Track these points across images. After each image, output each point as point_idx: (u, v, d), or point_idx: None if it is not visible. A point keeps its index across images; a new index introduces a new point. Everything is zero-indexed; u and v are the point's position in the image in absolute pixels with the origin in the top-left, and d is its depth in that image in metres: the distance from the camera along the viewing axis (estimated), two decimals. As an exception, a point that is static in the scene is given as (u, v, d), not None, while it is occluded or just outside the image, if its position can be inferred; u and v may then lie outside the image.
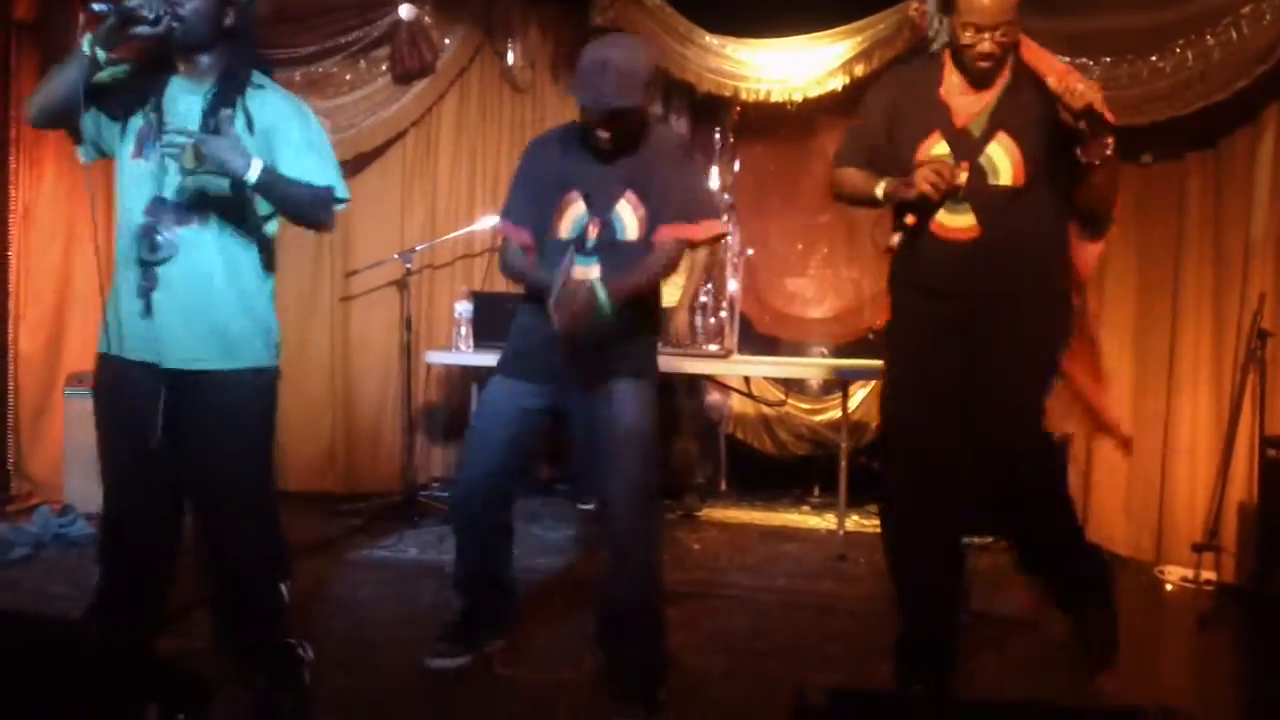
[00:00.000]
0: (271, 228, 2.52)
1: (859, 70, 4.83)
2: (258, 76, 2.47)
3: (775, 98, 5.06)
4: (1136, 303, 4.53)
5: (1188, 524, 4.20)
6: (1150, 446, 4.38)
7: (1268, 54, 3.92)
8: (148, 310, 2.38)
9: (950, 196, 2.66)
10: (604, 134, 2.73)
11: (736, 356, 4.89)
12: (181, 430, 2.42)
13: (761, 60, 5.08)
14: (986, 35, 2.63)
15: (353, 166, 5.07)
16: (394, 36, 5.07)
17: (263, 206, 2.46)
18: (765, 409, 5.50)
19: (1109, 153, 2.56)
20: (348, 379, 5.33)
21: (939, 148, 2.72)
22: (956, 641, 2.89)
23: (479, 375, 4.43)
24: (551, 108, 5.32)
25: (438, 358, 4.95)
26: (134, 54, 2.39)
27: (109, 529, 2.52)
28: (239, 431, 2.46)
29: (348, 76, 5.12)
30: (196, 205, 2.38)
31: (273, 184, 2.35)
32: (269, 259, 2.52)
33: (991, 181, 2.68)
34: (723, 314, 5.34)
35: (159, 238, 2.36)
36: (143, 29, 2.22)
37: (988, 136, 2.69)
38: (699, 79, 5.14)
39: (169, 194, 2.37)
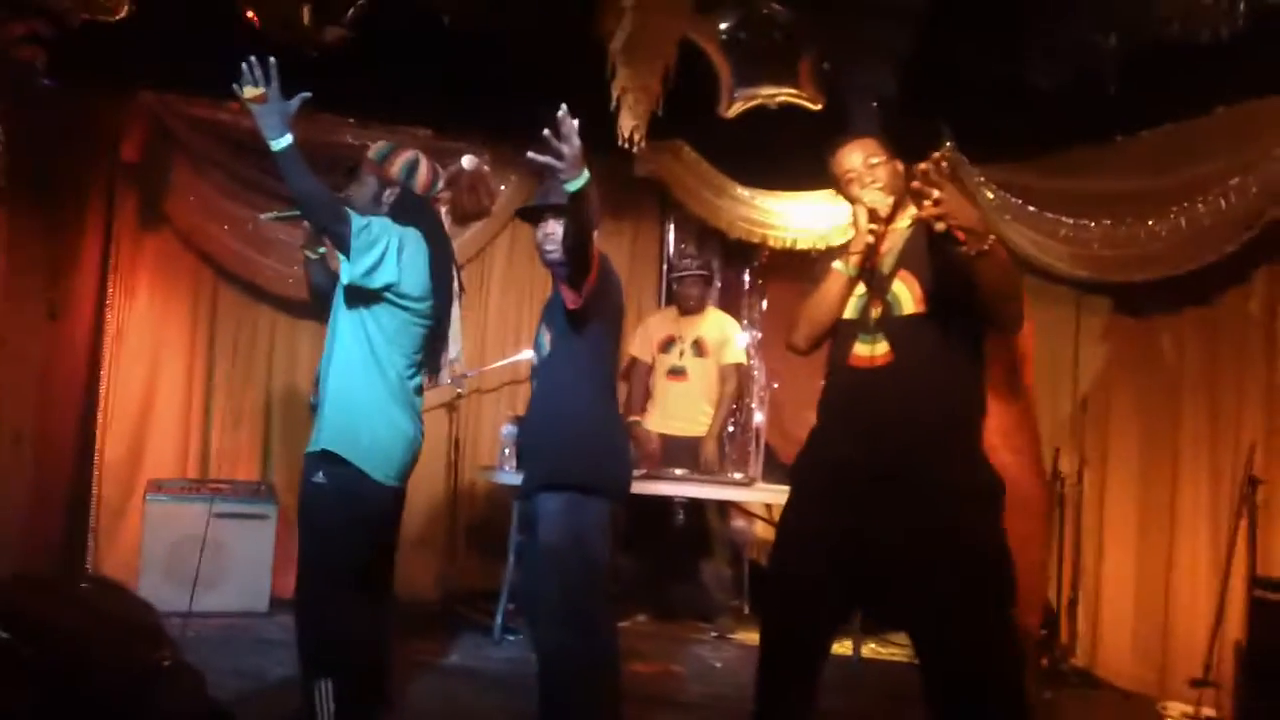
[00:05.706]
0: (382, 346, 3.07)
1: (879, 221, 5.22)
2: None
3: (800, 245, 5.48)
4: (1139, 450, 4.81)
5: (1189, 661, 4.35)
6: (1154, 586, 4.62)
7: (1254, 222, 4.20)
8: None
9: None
10: None
11: (760, 485, 5.17)
12: None
13: (788, 210, 5.52)
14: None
15: (412, 298, 5.52)
16: (455, 183, 5.55)
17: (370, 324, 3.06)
18: (789, 535, 5.73)
19: (986, 246, 2.43)
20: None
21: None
22: None
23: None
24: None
25: (482, 476, 5.28)
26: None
27: None
28: (303, 509, 3.05)
29: (412, 217, 5.59)
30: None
31: (294, 161, 2.84)
32: (367, 361, 3.05)
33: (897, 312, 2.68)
34: (750, 444, 5.64)
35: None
36: None
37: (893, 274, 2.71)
38: (730, 226, 5.60)
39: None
